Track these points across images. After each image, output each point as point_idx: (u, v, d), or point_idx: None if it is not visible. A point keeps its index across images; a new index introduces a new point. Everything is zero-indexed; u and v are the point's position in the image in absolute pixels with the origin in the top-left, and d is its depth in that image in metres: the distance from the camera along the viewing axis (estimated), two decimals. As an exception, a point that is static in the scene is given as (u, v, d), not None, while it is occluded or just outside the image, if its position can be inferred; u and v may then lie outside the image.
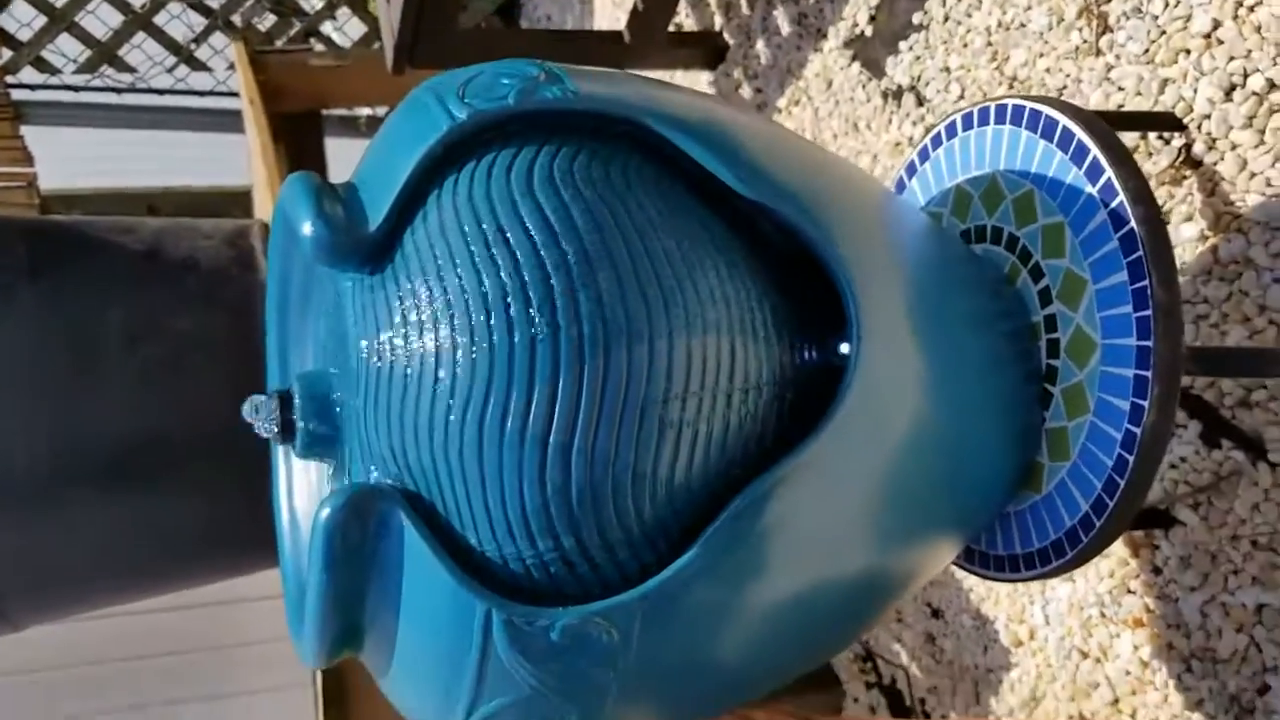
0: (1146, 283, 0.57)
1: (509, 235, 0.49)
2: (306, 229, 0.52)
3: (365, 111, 2.53)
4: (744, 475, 0.52)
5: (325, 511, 0.50)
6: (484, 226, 0.50)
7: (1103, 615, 0.93)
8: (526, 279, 0.48)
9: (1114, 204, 0.59)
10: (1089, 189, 0.61)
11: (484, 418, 0.48)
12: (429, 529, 0.50)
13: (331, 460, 0.59)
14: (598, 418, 0.48)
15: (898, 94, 1.17)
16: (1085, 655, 0.96)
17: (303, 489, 0.65)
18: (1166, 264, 0.57)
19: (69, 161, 2.48)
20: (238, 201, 2.45)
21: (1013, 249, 0.66)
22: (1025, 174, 0.65)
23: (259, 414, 0.58)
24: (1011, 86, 0.99)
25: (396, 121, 0.56)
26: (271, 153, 1.70)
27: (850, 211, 0.58)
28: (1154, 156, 0.85)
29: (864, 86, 1.23)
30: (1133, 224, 0.58)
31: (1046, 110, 0.64)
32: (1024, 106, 0.65)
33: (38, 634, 1.50)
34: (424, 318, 0.50)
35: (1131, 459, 0.58)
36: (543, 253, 0.49)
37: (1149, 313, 0.57)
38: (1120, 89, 0.87)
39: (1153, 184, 0.84)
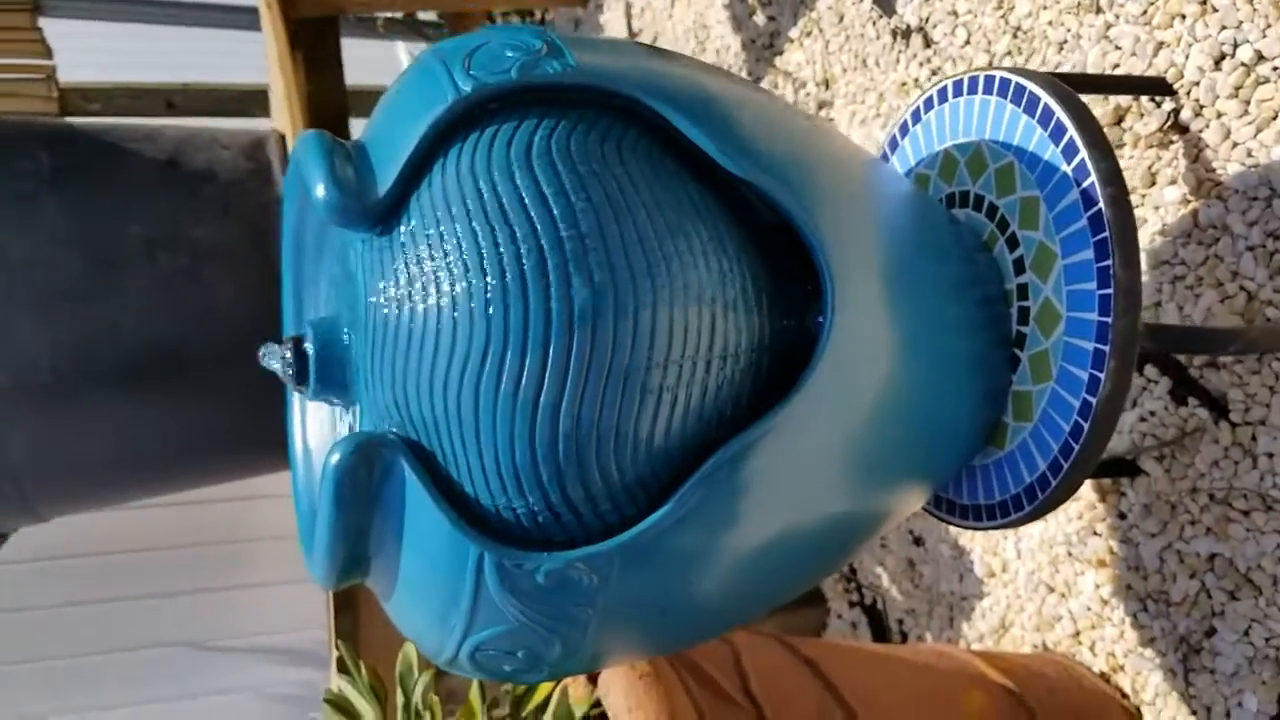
0: (1110, 262, 0.60)
1: (506, 207, 0.53)
2: (320, 191, 0.55)
3: (383, 14, 2.52)
4: (721, 435, 0.56)
5: (335, 457, 0.54)
6: (484, 196, 0.53)
7: (1069, 554, 0.98)
8: (522, 250, 0.52)
9: (1085, 184, 0.62)
10: (1064, 167, 0.64)
11: (480, 377, 0.52)
12: (429, 477, 0.54)
13: (342, 401, 0.63)
14: (584, 383, 0.52)
15: (906, 34, 1.18)
16: (1051, 590, 1.02)
17: (315, 423, 0.70)
18: (1130, 245, 0.60)
19: (88, 54, 2.49)
20: (257, 100, 2.45)
21: (992, 217, 0.70)
22: (1008, 145, 0.68)
23: (273, 359, 0.62)
24: (1015, 36, 1.01)
25: (405, 87, 0.59)
26: (289, 61, 1.71)
27: (832, 185, 0.61)
28: (1144, 118, 0.87)
29: (874, 24, 1.24)
30: (1101, 205, 0.61)
31: (1031, 86, 0.66)
32: (1010, 80, 0.68)
33: (66, 523, 1.57)
34: (427, 280, 0.54)
35: (1086, 426, 0.62)
36: (537, 226, 0.52)
37: (1110, 291, 0.60)
38: (1117, 48, 0.89)
39: (1141, 145, 0.87)
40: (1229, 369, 0.81)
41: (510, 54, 0.57)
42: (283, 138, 1.59)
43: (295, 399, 0.72)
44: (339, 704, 0.74)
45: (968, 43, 1.08)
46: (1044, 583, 1.03)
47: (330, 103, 1.95)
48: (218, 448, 1.55)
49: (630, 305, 0.52)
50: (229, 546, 1.85)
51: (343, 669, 0.83)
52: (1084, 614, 0.98)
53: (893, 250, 0.63)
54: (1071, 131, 0.63)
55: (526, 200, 0.53)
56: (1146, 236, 0.87)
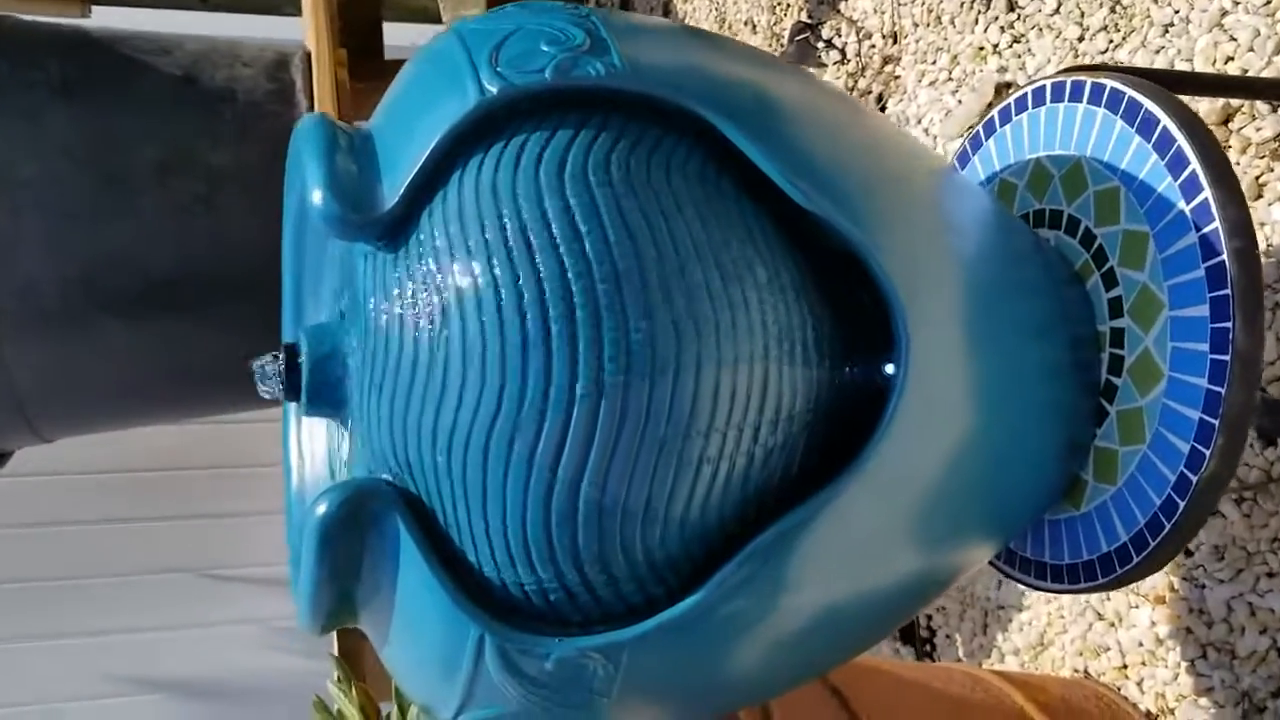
0: (1229, 326, 0.52)
1: (531, 238, 0.45)
2: (317, 199, 0.48)
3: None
4: (767, 508, 0.49)
5: (321, 508, 0.47)
6: (505, 222, 0.45)
7: (1088, 595, 0.91)
8: (546, 292, 0.44)
9: (1207, 229, 0.53)
10: (1181, 205, 0.55)
11: (490, 433, 0.45)
12: (428, 541, 0.47)
13: (338, 419, 0.56)
14: (611, 454, 0.44)
15: (988, -8, 1.07)
16: (1100, 617, 0.95)
17: (314, 431, 0.63)
18: (1255, 309, 0.52)
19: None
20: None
21: (1088, 246, 0.61)
22: (1114, 168, 0.59)
23: (264, 368, 0.55)
24: (1113, 10, 0.90)
25: (422, 78, 0.51)
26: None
27: (907, 211, 0.53)
28: (1258, 122, 0.77)
29: (952, -24, 1.13)
30: (1224, 258, 0.52)
31: (1148, 104, 0.57)
32: (1124, 93, 0.58)
33: (71, 441, 1.53)
34: (435, 311, 0.46)
35: (1182, 505, 0.55)
36: (566, 264, 0.44)
37: (1227, 358, 0.52)
38: (1233, 39, 0.79)
39: (1250, 153, 0.77)
40: (1331, 416, 0.73)
41: (546, 48, 0.48)
42: (308, 56, 1.50)
43: (292, 405, 0.65)
44: (327, 724, 0.68)
45: (1057, 11, 0.98)
46: (1093, 608, 0.96)
47: (362, 10, 1.86)
48: (230, 379, 1.49)
49: (671, 365, 0.44)
50: (240, 471, 1.80)
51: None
52: (1135, 648, 0.91)
53: (973, 285, 0.55)
54: (1195, 165, 0.54)
55: (556, 232, 0.45)
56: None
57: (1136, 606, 0.90)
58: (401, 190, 0.47)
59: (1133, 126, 0.58)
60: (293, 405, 0.65)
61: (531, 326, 0.44)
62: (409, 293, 0.47)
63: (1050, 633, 1.01)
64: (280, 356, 0.54)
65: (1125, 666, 0.92)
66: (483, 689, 0.48)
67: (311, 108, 1.37)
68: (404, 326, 0.47)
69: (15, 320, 1.31)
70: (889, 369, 0.51)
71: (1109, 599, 0.93)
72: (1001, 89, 1.05)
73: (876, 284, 0.50)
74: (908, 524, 0.52)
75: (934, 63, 1.15)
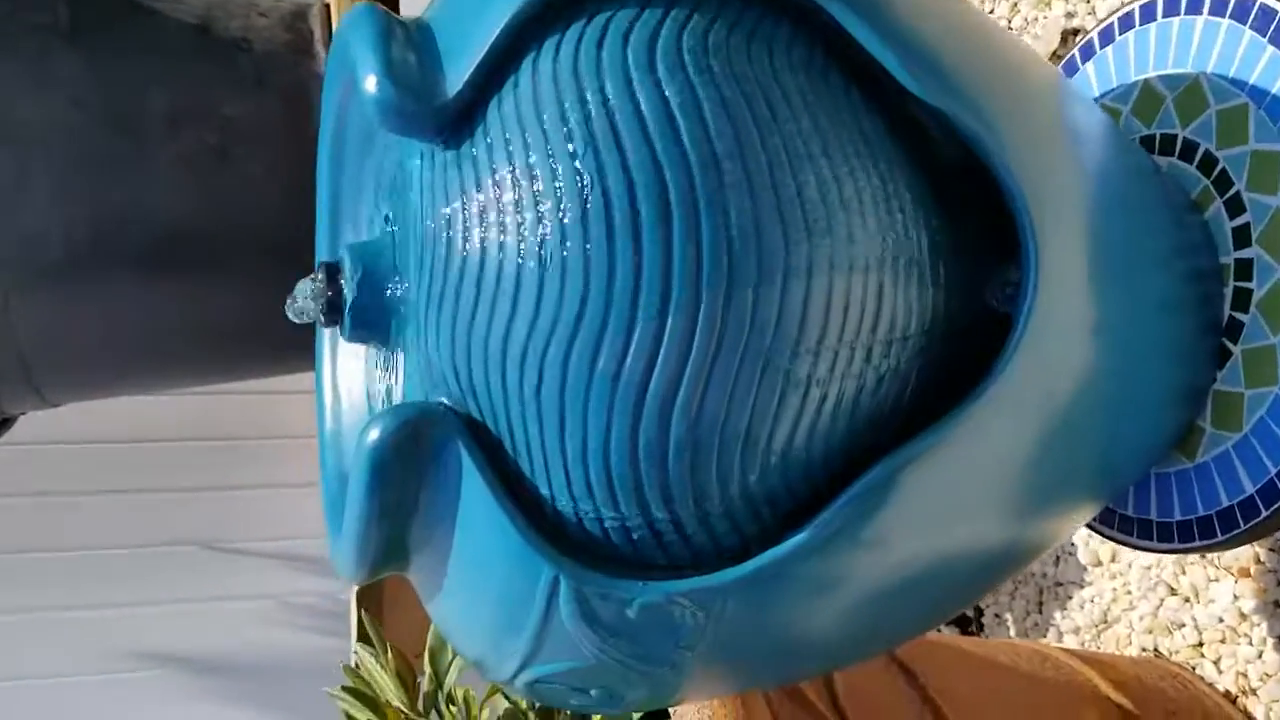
0: (1389, 247, 0.46)
1: (618, 124, 0.39)
2: (371, 86, 0.42)
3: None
4: (870, 442, 0.43)
5: (373, 434, 0.42)
6: (589, 107, 0.40)
7: (1204, 555, 0.86)
8: (637, 182, 0.39)
9: (1362, 141, 0.48)
10: (1329, 117, 0.49)
11: (570, 349, 0.39)
12: (493, 470, 0.42)
13: (384, 348, 0.51)
14: (709, 369, 0.39)
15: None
16: (1174, 592, 0.89)
17: (349, 367, 0.57)
18: None
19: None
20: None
21: (1208, 171, 0.55)
22: (1241, 84, 0.53)
23: (303, 294, 0.49)
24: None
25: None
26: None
27: (1031, 118, 0.47)
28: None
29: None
30: (1384, 172, 0.47)
31: (1287, 7, 0.51)
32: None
33: (77, 408, 1.47)
34: (506, 214, 0.40)
35: (1323, 451, 0.49)
36: (660, 153, 0.39)
37: (1384, 284, 0.47)
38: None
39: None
40: None
41: (633, -87, 0.42)
42: (326, 7, 1.44)
43: (326, 341, 0.59)
44: (357, 692, 0.63)
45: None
46: (1165, 582, 0.90)
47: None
48: (242, 341, 1.43)
49: (779, 271, 0.39)
50: (250, 443, 1.74)
51: (363, 637, 0.71)
52: (1213, 625, 0.85)
53: (1096, 203, 0.49)
54: (1346, 70, 0.48)
55: (647, 116, 0.39)
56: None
57: (1217, 580, 0.84)
58: (467, 75, 0.42)
59: (1265, 36, 0.52)
60: (326, 335, 0.60)
61: (619, 225, 0.38)
62: (475, 193, 0.41)
63: (1115, 609, 0.95)
64: (319, 277, 0.49)
65: (1201, 644, 0.87)
66: (552, 640, 0.43)
67: (331, 59, 1.30)
68: (469, 231, 0.41)
69: (20, 273, 1.25)
70: (1007, 292, 0.46)
71: (1184, 572, 0.88)
72: (1068, 36, 0.99)
73: (1000, 195, 0.44)
74: (1017, 472, 0.47)
75: (993, 10, 1.10)
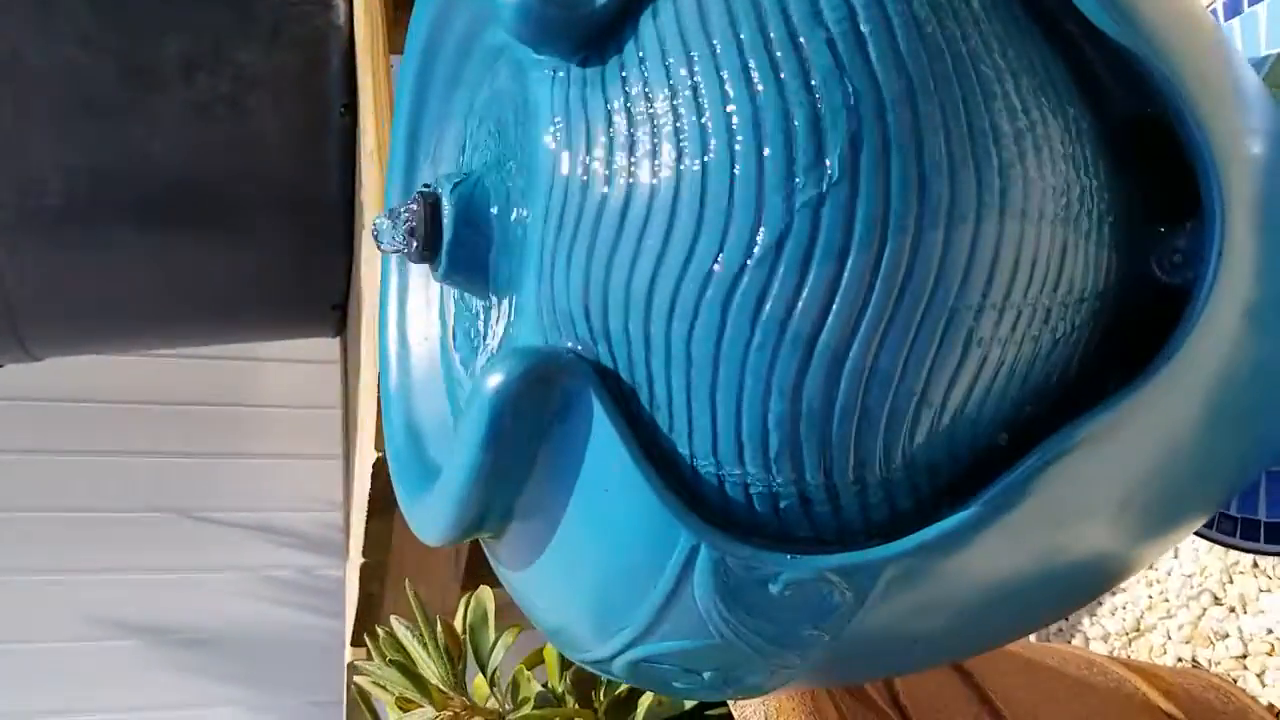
0: None
1: (801, 41, 0.35)
2: (509, -13, 0.38)
3: None
4: (1033, 413, 0.40)
5: (496, 378, 0.37)
6: (765, 22, 0.36)
7: (1255, 564, 0.83)
8: (820, 108, 0.35)
9: None
10: None
11: (731, 292, 0.35)
12: (629, 425, 0.38)
13: (479, 291, 0.46)
14: (887, 320, 0.35)
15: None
16: (1218, 602, 0.86)
17: (420, 312, 0.53)
18: None
19: None
20: None
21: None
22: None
23: (386, 230, 0.45)
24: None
25: None
26: None
27: (1212, 70, 0.43)
28: None
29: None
30: None
31: None
32: None
33: (56, 364, 1.41)
34: (659, 140, 0.36)
35: None
36: (847, 74, 0.35)
37: None
38: None
39: None
40: None
41: None
42: (346, -40, 1.38)
43: (393, 281, 0.55)
44: (403, 666, 0.58)
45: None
46: (1209, 590, 0.87)
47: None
48: (245, 302, 1.38)
49: (971, 215, 0.35)
50: (232, 409, 1.68)
51: (368, 616, 0.67)
52: (1261, 636, 0.83)
53: (1267, 172, 0.45)
54: None
55: (832, 29, 0.35)
56: None
57: (1269, 590, 0.82)
58: (620, -17, 0.38)
59: None
60: (393, 282, 0.55)
61: (800, 155, 0.34)
62: (624, 117, 0.37)
63: (1150, 617, 0.93)
64: (415, 207, 0.44)
65: (1245, 656, 0.84)
66: (676, 616, 0.39)
67: (350, 12, 1.26)
68: (614, 161, 0.37)
69: (14, 218, 1.19)
70: (1175, 260, 0.42)
71: (1232, 581, 0.85)
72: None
73: (1176, 154, 0.41)
74: (1189, 447, 0.43)
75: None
